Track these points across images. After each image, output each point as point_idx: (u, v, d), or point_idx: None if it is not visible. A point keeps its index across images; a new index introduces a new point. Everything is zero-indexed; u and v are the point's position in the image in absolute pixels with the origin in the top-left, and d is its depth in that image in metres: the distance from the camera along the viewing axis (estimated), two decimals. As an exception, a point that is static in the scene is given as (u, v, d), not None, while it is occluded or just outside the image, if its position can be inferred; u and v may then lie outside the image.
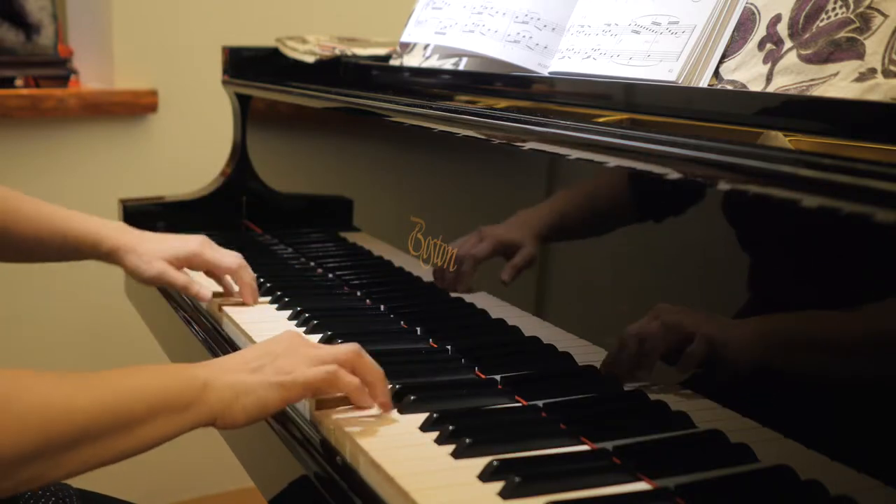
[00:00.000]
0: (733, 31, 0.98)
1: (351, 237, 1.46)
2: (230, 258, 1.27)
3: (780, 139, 0.81)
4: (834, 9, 0.89)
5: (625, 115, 0.99)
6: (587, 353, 0.93)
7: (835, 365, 0.69)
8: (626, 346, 0.88)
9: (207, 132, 2.20)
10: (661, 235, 0.87)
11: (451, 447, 0.82)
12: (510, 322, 1.05)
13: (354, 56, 1.63)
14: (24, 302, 2.17)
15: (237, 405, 0.84)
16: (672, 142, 0.79)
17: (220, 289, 1.30)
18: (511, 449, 0.81)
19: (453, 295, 1.13)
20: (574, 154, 0.93)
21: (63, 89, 2.14)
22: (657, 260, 0.87)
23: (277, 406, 0.87)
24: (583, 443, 0.84)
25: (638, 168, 0.85)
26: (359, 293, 1.31)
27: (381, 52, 1.66)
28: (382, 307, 1.25)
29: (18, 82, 2.15)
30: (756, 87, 0.93)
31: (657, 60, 1.02)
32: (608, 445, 0.82)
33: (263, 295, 1.29)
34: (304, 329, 1.15)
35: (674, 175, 0.81)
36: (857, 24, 0.87)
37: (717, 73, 0.98)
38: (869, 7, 0.86)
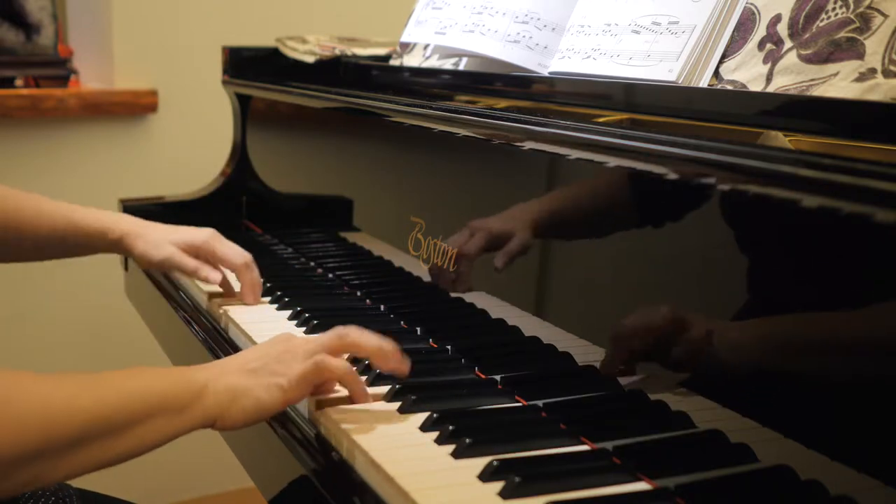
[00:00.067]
0: (733, 31, 0.98)
1: (351, 237, 1.46)
2: (238, 255, 1.26)
3: (780, 139, 0.81)
4: (834, 9, 0.89)
5: (625, 115, 0.99)
6: (587, 353, 0.93)
7: (835, 365, 0.69)
8: (622, 340, 0.88)
9: (207, 132, 2.20)
10: (661, 235, 0.87)
11: (451, 447, 0.82)
12: (510, 322, 1.05)
13: (354, 56, 1.63)
14: (24, 302, 2.17)
15: (235, 407, 0.84)
16: (672, 142, 0.79)
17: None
18: (511, 449, 0.81)
19: (453, 295, 1.13)
20: (574, 154, 0.93)
21: (63, 89, 2.14)
22: (657, 260, 0.87)
23: (277, 407, 0.87)
24: (583, 443, 0.84)
25: (638, 168, 0.85)
26: (359, 293, 1.31)
27: (381, 52, 1.66)
28: (382, 307, 1.25)
29: (18, 82, 2.15)
30: (756, 87, 0.93)
31: (657, 60, 1.02)
32: (608, 445, 0.82)
33: (263, 295, 1.29)
34: (304, 329, 1.15)
35: (674, 175, 0.81)
36: (857, 24, 0.87)
37: (717, 73, 0.98)
38: (869, 7, 0.86)
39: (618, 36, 1.08)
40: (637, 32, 1.06)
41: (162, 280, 1.44)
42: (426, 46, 1.49)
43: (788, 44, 0.92)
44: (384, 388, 0.95)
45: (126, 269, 1.66)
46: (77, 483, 1.10)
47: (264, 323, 1.18)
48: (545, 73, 1.19)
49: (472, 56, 1.35)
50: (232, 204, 1.78)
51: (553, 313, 0.99)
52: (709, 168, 0.76)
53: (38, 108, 2.08)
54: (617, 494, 0.75)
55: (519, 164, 1.07)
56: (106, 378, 0.80)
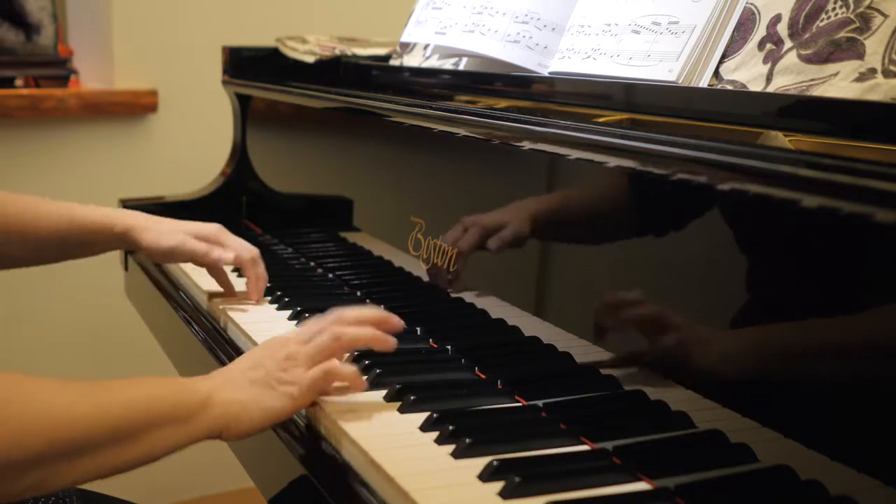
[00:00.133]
0: (733, 31, 0.98)
1: (351, 237, 1.46)
2: (246, 249, 1.26)
3: (780, 139, 0.81)
4: (834, 9, 0.89)
5: (625, 115, 0.99)
6: (587, 353, 0.93)
7: (835, 365, 0.69)
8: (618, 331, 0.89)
9: (207, 132, 2.20)
10: (661, 235, 0.87)
11: (451, 447, 0.82)
12: (510, 322, 1.05)
13: (354, 56, 1.63)
14: (24, 302, 2.17)
15: (244, 417, 0.85)
16: (672, 142, 0.79)
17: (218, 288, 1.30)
18: (511, 449, 0.81)
19: (453, 295, 1.13)
20: (574, 154, 0.93)
21: (63, 89, 2.15)
22: (657, 260, 0.87)
23: (288, 415, 0.88)
24: (583, 443, 0.84)
25: (638, 168, 0.85)
26: (359, 293, 1.31)
27: (381, 52, 1.66)
28: (382, 307, 1.25)
29: (18, 82, 2.15)
30: (756, 87, 0.93)
31: (657, 60, 1.02)
32: (608, 445, 0.82)
33: (264, 295, 1.29)
34: (304, 329, 1.15)
35: (674, 175, 0.81)
36: (857, 24, 0.87)
37: (717, 73, 0.98)
38: (869, 7, 0.86)
39: (618, 36, 1.08)
40: (637, 32, 1.06)
41: (162, 280, 1.44)
42: (426, 46, 1.49)
43: (788, 44, 0.92)
44: (384, 388, 0.95)
45: (126, 269, 1.66)
46: (77, 483, 1.10)
47: (264, 323, 1.18)
48: (545, 73, 1.19)
49: (472, 56, 1.35)
50: (232, 204, 1.78)
51: (553, 313, 0.98)
52: (709, 168, 0.76)
53: (38, 108, 2.08)
54: (617, 494, 0.75)
55: (519, 164, 1.07)
56: (108, 386, 0.81)
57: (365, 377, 0.97)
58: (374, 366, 0.98)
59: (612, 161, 0.87)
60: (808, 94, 0.87)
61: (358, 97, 1.35)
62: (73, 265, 1.37)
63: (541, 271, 1.03)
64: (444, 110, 1.13)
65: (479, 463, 0.78)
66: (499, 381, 0.97)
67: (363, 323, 0.94)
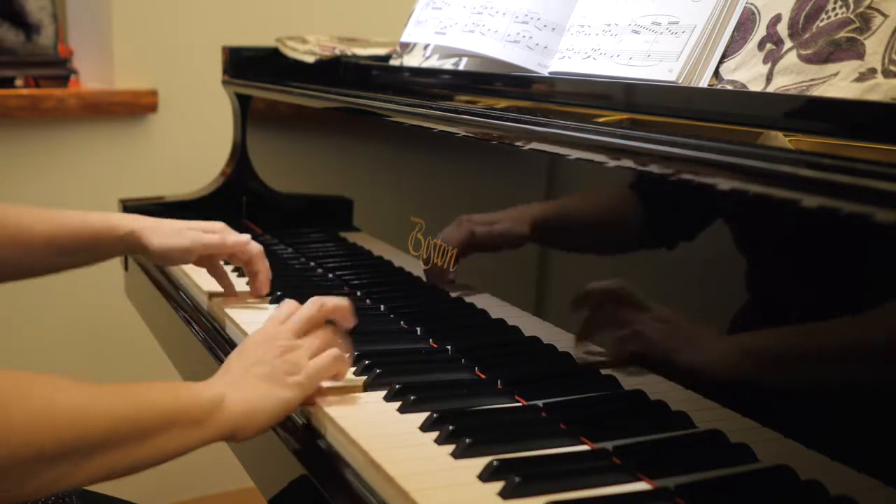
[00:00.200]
0: (733, 31, 0.98)
1: (351, 237, 1.46)
2: (253, 244, 1.27)
3: (780, 139, 0.81)
4: (834, 9, 0.89)
5: (625, 115, 0.99)
6: (587, 353, 0.93)
7: (835, 365, 0.69)
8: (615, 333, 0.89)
9: (207, 132, 2.20)
10: (661, 235, 0.87)
11: (451, 447, 0.82)
12: (510, 322, 1.05)
13: (354, 56, 1.63)
14: (24, 302, 2.17)
15: (259, 414, 0.86)
16: (672, 142, 0.79)
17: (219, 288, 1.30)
18: (511, 449, 0.81)
19: (453, 295, 1.13)
20: (574, 154, 0.93)
21: (63, 89, 2.15)
22: (657, 260, 0.87)
23: (298, 404, 0.90)
24: (583, 443, 0.84)
25: (638, 168, 0.85)
26: (359, 293, 1.31)
27: (381, 52, 1.66)
28: (382, 307, 1.25)
29: (18, 82, 2.15)
30: (756, 87, 0.93)
31: (657, 60, 1.02)
32: (608, 445, 0.82)
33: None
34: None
35: (674, 175, 0.81)
36: (857, 24, 0.87)
37: (717, 73, 0.98)
38: (869, 7, 0.86)
39: (618, 36, 1.08)
40: (637, 32, 1.06)
41: (162, 280, 1.44)
42: (426, 46, 1.49)
43: (788, 44, 0.92)
44: (384, 388, 0.95)
45: (126, 269, 1.66)
46: (77, 483, 1.10)
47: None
48: (545, 73, 1.19)
49: (472, 56, 1.35)
50: (232, 204, 1.78)
51: (553, 313, 0.98)
52: (709, 168, 0.76)
53: (38, 108, 2.08)
54: (617, 494, 0.75)
55: (519, 164, 1.07)
56: (122, 387, 0.81)
57: (364, 377, 0.98)
58: (374, 366, 0.98)
59: (612, 161, 0.87)
60: (808, 94, 0.87)
61: (358, 97, 1.35)
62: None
63: (541, 271, 1.03)
64: (444, 110, 1.13)
65: (479, 463, 0.78)
66: (499, 381, 0.97)
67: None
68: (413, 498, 0.74)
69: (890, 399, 0.64)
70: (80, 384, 0.78)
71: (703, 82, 0.98)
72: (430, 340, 1.12)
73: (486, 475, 0.76)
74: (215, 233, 1.26)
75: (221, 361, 1.11)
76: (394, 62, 1.58)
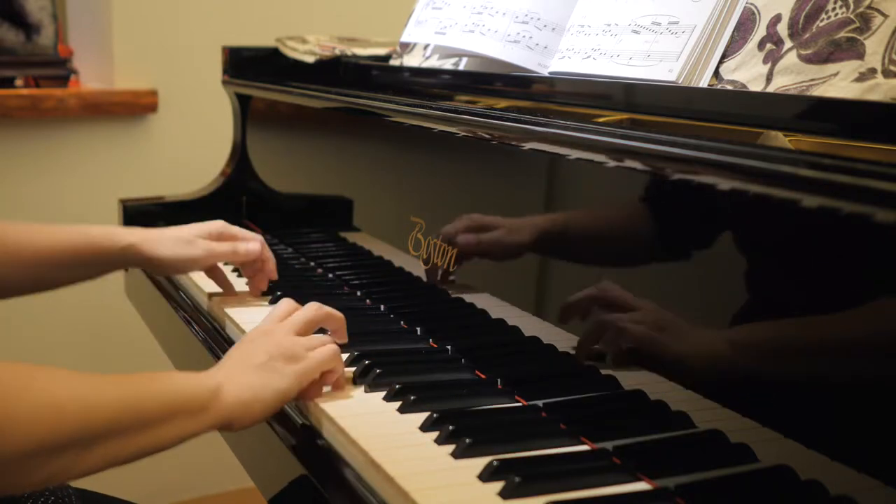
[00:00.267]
0: (733, 31, 0.98)
1: (351, 237, 1.46)
2: (255, 236, 1.28)
3: (780, 139, 0.81)
4: (834, 9, 0.89)
5: (625, 115, 0.99)
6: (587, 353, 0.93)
7: (835, 365, 0.69)
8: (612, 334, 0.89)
9: (207, 132, 2.20)
10: (661, 235, 0.87)
11: (451, 447, 0.82)
12: (510, 322, 1.05)
13: (354, 56, 1.63)
14: (24, 302, 2.16)
15: (256, 403, 0.87)
16: (672, 142, 0.79)
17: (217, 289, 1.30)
18: (511, 449, 0.81)
19: (453, 295, 1.13)
20: (574, 154, 0.93)
21: (63, 89, 2.15)
22: (657, 260, 0.87)
23: (294, 395, 0.91)
24: (583, 443, 0.84)
25: (638, 168, 0.85)
26: (359, 293, 1.31)
27: (381, 52, 1.66)
28: (382, 307, 1.25)
29: (18, 82, 2.15)
30: (756, 87, 0.93)
31: (657, 60, 1.02)
32: (608, 445, 0.82)
33: (264, 294, 1.29)
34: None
35: (674, 175, 0.81)
36: (857, 24, 0.87)
37: (717, 73, 0.98)
38: (869, 7, 0.86)
39: (618, 36, 1.08)
40: (637, 32, 1.06)
41: (162, 280, 1.44)
42: (426, 46, 1.49)
43: (788, 44, 0.92)
44: (384, 388, 0.95)
45: (126, 269, 1.66)
46: (77, 483, 1.10)
47: (264, 323, 1.18)
48: (545, 73, 1.19)
49: (472, 56, 1.35)
50: (232, 204, 1.78)
51: (553, 313, 0.98)
52: (709, 168, 0.76)
53: (38, 108, 2.08)
54: (617, 494, 0.75)
55: (519, 164, 1.07)
56: (124, 378, 0.82)
57: (365, 378, 0.98)
58: (375, 366, 0.98)
59: (612, 161, 0.87)
60: (808, 94, 0.87)
61: (358, 97, 1.35)
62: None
63: (541, 271, 1.03)
64: (444, 110, 1.13)
65: (479, 463, 0.78)
66: (499, 381, 0.97)
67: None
68: (413, 498, 0.74)
69: (890, 399, 0.64)
70: (81, 375, 0.79)
71: (703, 82, 0.98)
72: (430, 340, 1.12)
73: (486, 475, 0.76)
74: (221, 236, 1.25)
75: (221, 361, 1.11)
76: (394, 62, 1.58)
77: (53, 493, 1.06)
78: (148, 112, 2.22)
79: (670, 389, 0.83)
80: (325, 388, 0.95)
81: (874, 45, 0.85)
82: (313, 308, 1.00)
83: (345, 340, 1.05)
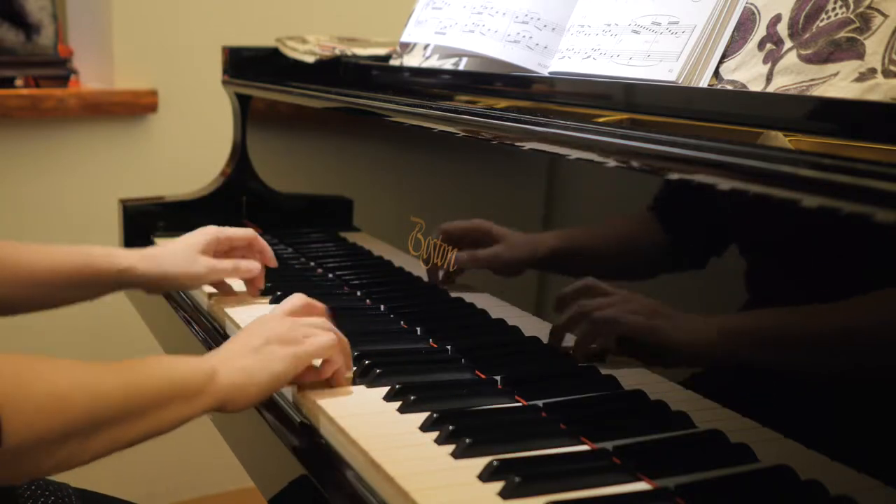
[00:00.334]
0: (733, 31, 0.98)
1: (351, 237, 1.46)
2: (246, 230, 1.29)
3: (780, 139, 0.81)
4: (834, 9, 0.89)
5: (625, 115, 0.99)
6: (587, 353, 0.93)
7: (835, 365, 0.69)
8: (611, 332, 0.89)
9: (207, 132, 2.20)
10: (661, 235, 0.87)
11: (451, 447, 0.82)
12: (510, 322, 1.05)
13: (354, 56, 1.63)
14: (24, 302, 2.17)
15: (250, 385, 0.88)
16: (672, 142, 0.79)
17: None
18: (511, 449, 0.81)
19: (453, 295, 1.13)
20: (574, 154, 0.93)
21: (63, 89, 2.15)
22: (657, 260, 0.87)
23: (289, 378, 0.92)
24: (583, 443, 0.84)
25: (638, 168, 0.85)
26: (359, 293, 1.31)
27: (381, 52, 1.66)
28: (382, 307, 1.25)
29: (18, 82, 2.15)
30: (756, 87, 0.93)
31: (657, 60, 1.02)
32: (608, 445, 0.82)
33: (263, 295, 1.29)
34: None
35: (674, 175, 0.81)
36: (857, 24, 0.87)
37: (717, 73, 0.98)
38: (869, 7, 0.86)
39: (618, 36, 1.08)
40: (637, 32, 1.06)
41: (162, 280, 1.44)
42: (426, 46, 1.49)
43: (788, 44, 0.92)
44: (384, 388, 0.95)
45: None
46: (76, 483, 1.10)
47: (264, 323, 1.18)
48: (545, 73, 1.19)
49: (472, 56, 1.35)
50: (232, 204, 1.78)
51: (553, 313, 0.98)
52: (709, 168, 0.76)
53: (38, 108, 2.08)
54: (617, 494, 0.75)
55: (519, 164, 1.07)
56: (123, 366, 0.83)
57: (365, 377, 0.98)
58: (374, 366, 0.98)
59: (612, 161, 0.87)
60: (808, 94, 0.87)
61: (358, 97, 1.35)
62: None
63: (541, 272, 1.03)
64: (444, 110, 1.13)
65: (479, 463, 0.78)
66: (499, 381, 0.97)
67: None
68: (413, 498, 0.74)
69: (890, 399, 0.64)
70: (84, 365, 0.81)
71: (703, 82, 0.98)
72: (430, 340, 1.12)
73: (486, 475, 0.76)
74: (218, 245, 1.25)
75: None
76: (394, 62, 1.58)
77: (53, 493, 1.06)
78: (148, 112, 2.22)
79: (670, 389, 0.83)
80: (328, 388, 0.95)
81: (874, 45, 0.85)
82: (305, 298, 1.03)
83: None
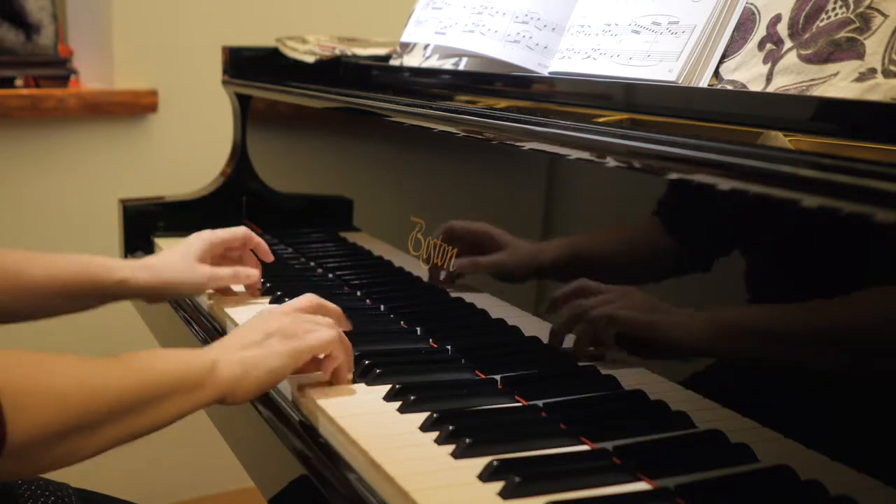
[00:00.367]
0: (733, 31, 0.98)
1: (351, 237, 1.46)
2: (238, 229, 1.29)
3: (780, 139, 0.81)
4: (834, 9, 0.89)
5: (625, 115, 0.99)
6: (588, 353, 0.93)
7: (835, 365, 0.69)
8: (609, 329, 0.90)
9: (207, 132, 2.20)
10: (660, 235, 0.87)
11: (451, 447, 0.82)
12: (510, 322, 1.05)
13: (354, 56, 1.63)
14: (24, 302, 2.17)
15: (249, 378, 0.89)
16: (672, 142, 0.79)
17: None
18: (511, 449, 0.81)
19: (453, 295, 1.13)
20: (574, 154, 0.93)
21: (63, 89, 2.14)
22: (657, 259, 0.87)
23: (289, 372, 0.92)
24: (583, 443, 0.84)
25: (638, 168, 0.85)
26: (359, 293, 1.31)
27: (381, 52, 1.66)
28: (382, 307, 1.25)
29: (18, 82, 2.15)
30: (756, 87, 0.93)
31: (657, 60, 1.02)
32: (608, 445, 0.82)
33: (263, 295, 1.29)
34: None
35: (674, 175, 0.81)
36: (857, 24, 0.87)
37: (717, 73, 0.98)
38: (869, 7, 0.86)
39: (618, 36, 1.08)
40: (637, 32, 1.06)
41: (162, 280, 1.44)
42: (426, 46, 1.49)
43: (788, 44, 0.92)
44: (384, 388, 0.95)
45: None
46: (76, 483, 1.10)
47: (264, 323, 1.18)
48: (545, 73, 1.19)
49: (472, 56, 1.35)
50: (232, 204, 1.78)
51: (553, 313, 0.98)
52: (709, 168, 0.76)
53: (38, 108, 2.08)
54: (617, 494, 0.75)
55: (519, 164, 1.07)
56: (125, 360, 0.83)
57: (365, 377, 0.98)
58: (374, 366, 0.99)
59: (612, 161, 0.87)
60: (808, 94, 0.87)
61: (358, 97, 1.35)
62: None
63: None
64: (444, 110, 1.13)
65: (479, 463, 0.78)
66: (499, 381, 0.97)
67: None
68: (413, 498, 0.74)
69: (890, 399, 0.64)
70: (83, 360, 0.80)
71: (703, 82, 0.98)
72: (430, 340, 1.12)
73: (486, 475, 0.76)
74: (213, 251, 1.25)
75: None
76: (394, 62, 1.58)
77: (53, 493, 1.06)
78: (148, 112, 2.22)
79: (670, 389, 0.83)
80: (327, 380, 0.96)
81: (874, 45, 0.85)
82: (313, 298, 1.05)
83: (348, 328, 1.06)
